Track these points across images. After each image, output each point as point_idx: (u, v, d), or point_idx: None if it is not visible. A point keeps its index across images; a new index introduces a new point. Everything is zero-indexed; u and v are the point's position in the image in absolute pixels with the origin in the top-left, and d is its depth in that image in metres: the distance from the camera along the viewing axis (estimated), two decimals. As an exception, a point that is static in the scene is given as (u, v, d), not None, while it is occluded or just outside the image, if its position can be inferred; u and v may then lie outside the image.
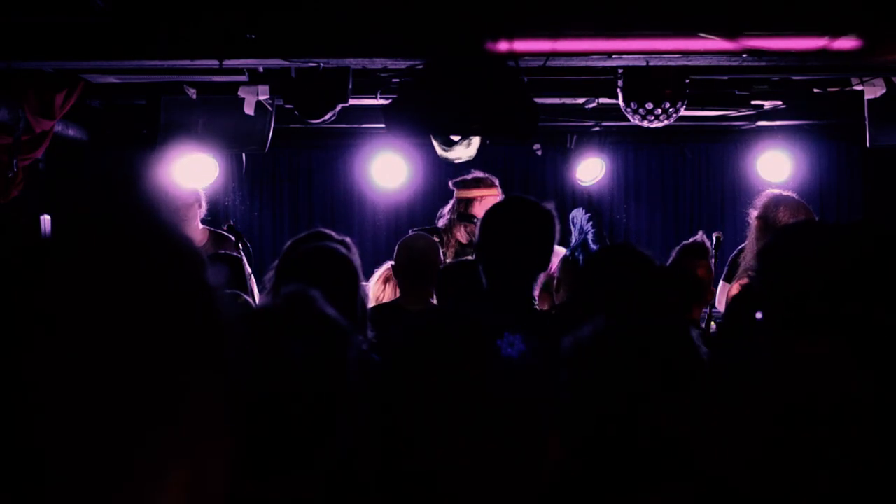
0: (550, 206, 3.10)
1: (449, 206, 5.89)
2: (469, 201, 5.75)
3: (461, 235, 5.74)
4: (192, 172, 6.92)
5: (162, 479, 0.65)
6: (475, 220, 5.40)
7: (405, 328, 1.36)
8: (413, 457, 1.21)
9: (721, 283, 5.32)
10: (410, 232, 4.39)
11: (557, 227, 3.08)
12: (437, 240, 5.77)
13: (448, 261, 5.51)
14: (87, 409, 0.62)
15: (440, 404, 1.22)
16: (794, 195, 4.96)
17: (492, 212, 3.16)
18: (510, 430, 1.22)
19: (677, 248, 4.62)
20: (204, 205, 5.81)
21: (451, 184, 5.96)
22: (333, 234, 3.60)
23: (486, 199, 5.63)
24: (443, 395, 1.23)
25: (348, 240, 3.59)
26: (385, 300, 4.75)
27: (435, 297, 4.48)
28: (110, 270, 0.65)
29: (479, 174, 5.88)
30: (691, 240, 4.64)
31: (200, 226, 5.78)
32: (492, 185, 5.80)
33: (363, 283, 3.35)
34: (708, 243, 4.62)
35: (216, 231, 5.81)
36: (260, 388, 1.34)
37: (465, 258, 4.72)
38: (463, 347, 1.28)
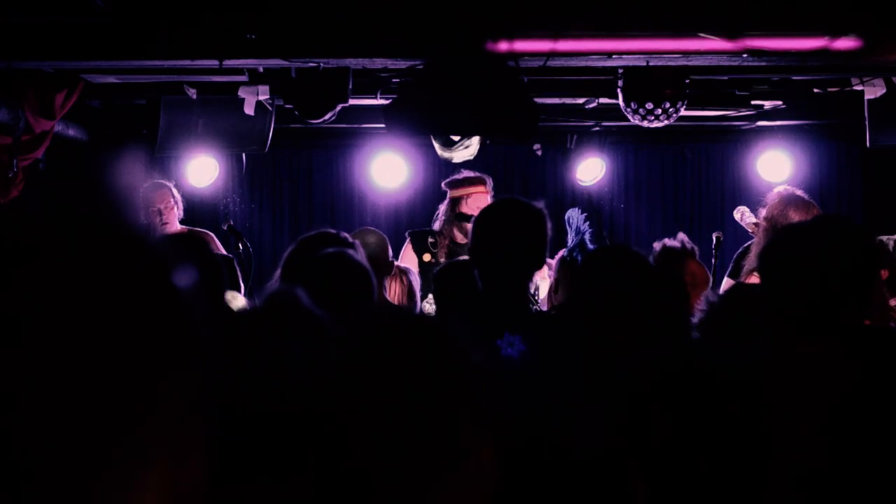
0: (541, 204, 3.11)
1: (443, 207, 5.95)
2: (457, 200, 5.81)
3: (456, 235, 5.78)
4: (192, 172, 6.93)
5: (138, 478, 0.65)
6: (471, 218, 5.41)
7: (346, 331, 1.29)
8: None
9: (725, 280, 5.30)
10: (361, 232, 4.25)
11: (549, 226, 3.09)
12: (431, 241, 5.81)
13: (442, 260, 5.54)
14: (59, 409, 0.63)
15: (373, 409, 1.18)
16: (802, 194, 4.91)
17: (483, 214, 3.16)
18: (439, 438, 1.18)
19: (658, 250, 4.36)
20: (180, 204, 5.86)
21: (443, 185, 6.01)
22: (348, 236, 3.58)
23: (473, 196, 5.74)
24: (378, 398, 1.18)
25: (358, 242, 3.58)
26: (389, 298, 4.74)
27: (410, 296, 4.46)
28: (76, 270, 0.66)
29: (469, 173, 5.92)
30: (672, 242, 4.39)
31: (178, 226, 5.80)
32: (479, 183, 5.83)
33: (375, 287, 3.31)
34: (689, 243, 4.39)
35: (194, 230, 5.81)
36: (247, 389, 1.33)
37: (460, 258, 4.72)
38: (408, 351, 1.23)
